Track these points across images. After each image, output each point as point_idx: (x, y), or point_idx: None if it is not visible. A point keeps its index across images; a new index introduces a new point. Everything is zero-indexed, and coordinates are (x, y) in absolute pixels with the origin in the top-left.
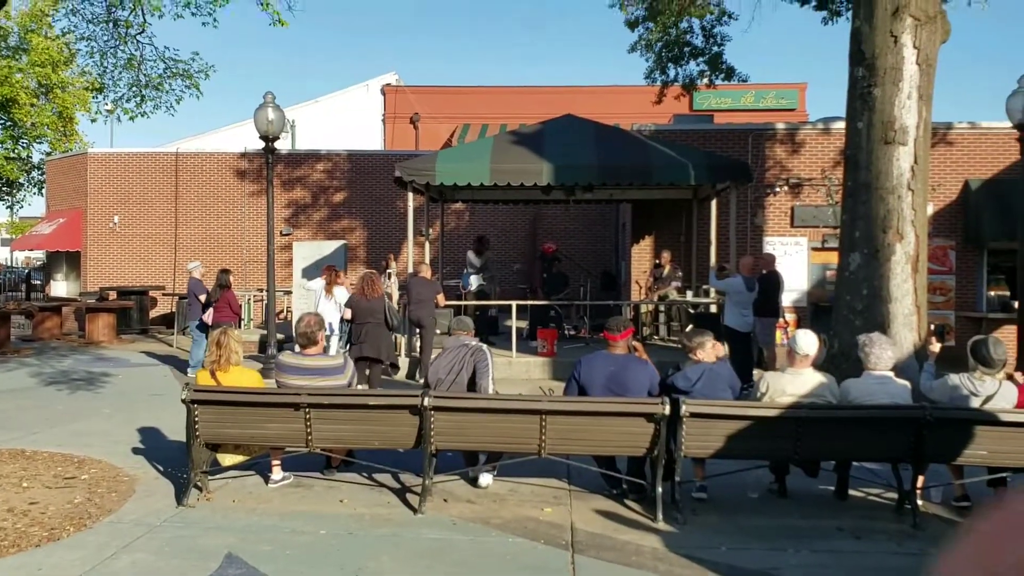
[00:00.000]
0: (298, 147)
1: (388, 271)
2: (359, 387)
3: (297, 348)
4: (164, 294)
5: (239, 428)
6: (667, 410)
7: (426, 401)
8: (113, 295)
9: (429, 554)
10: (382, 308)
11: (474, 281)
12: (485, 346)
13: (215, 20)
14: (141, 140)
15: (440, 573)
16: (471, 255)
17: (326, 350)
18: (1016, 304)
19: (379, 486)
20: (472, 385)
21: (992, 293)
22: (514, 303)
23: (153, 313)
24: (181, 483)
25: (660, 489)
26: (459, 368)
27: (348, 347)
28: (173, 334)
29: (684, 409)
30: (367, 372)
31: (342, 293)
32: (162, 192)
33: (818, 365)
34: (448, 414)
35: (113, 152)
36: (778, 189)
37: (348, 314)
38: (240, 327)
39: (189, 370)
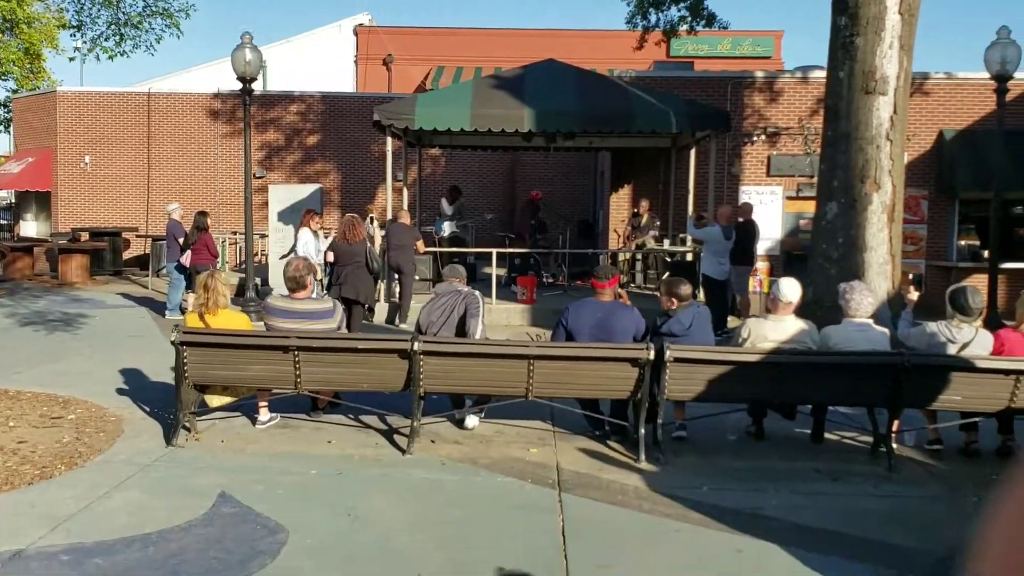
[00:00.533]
0: (270, 88)
1: (370, 216)
2: None
3: (284, 292)
4: (137, 235)
5: (228, 370)
6: (652, 355)
7: (416, 345)
8: (85, 236)
9: (420, 493)
10: (363, 251)
11: (446, 228)
12: (478, 292)
13: None
14: (111, 79)
15: (432, 512)
16: (444, 203)
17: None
18: (986, 253)
19: (366, 427)
20: (462, 327)
21: (962, 242)
22: (494, 251)
23: (126, 254)
24: (169, 424)
25: (643, 431)
26: (450, 312)
27: (328, 289)
28: (148, 276)
29: (668, 354)
30: (349, 313)
31: (305, 235)
32: (134, 132)
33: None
34: (437, 358)
35: (83, 91)
36: (756, 138)
37: (331, 257)
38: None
39: (167, 312)
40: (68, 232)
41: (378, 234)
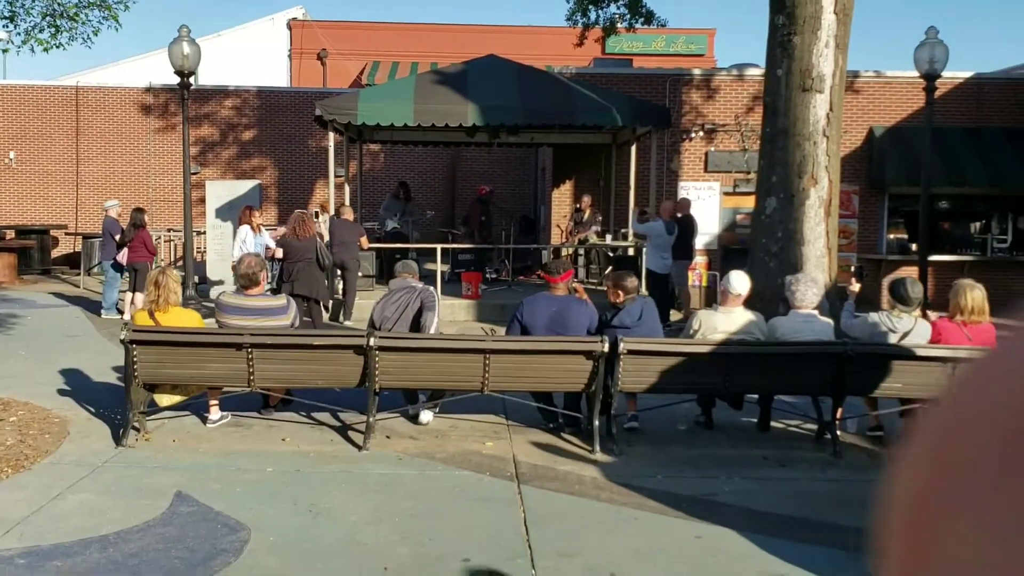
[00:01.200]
0: (202, 83)
1: (316, 211)
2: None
3: (232, 288)
4: (67, 233)
5: (180, 368)
6: (606, 348)
7: (372, 341)
8: (11, 234)
9: (380, 488)
10: (314, 248)
11: (389, 223)
12: (432, 287)
13: None
14: (36, 71)
15: (393, 506)
16: (392, 199)
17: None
18: (914, 247)
19: (319, 424)
20: (417, 323)
21: (892, 236)
22: (438, 247)
23: (55, 253)
24: (116, 424)
25: (597, 423)
26: (404, 308)
27: (278, 286)
28: (79, 274)
29: (622, 347)
30: (308, 311)
31: (244, 231)
32: (62, 127)
33: None
34: (393, 354)
35: (7, 84)
36: (693, 135)
37: (279, 253)
38: (151, 267)
39: (103, 311)
40: None
41: (325, 228)
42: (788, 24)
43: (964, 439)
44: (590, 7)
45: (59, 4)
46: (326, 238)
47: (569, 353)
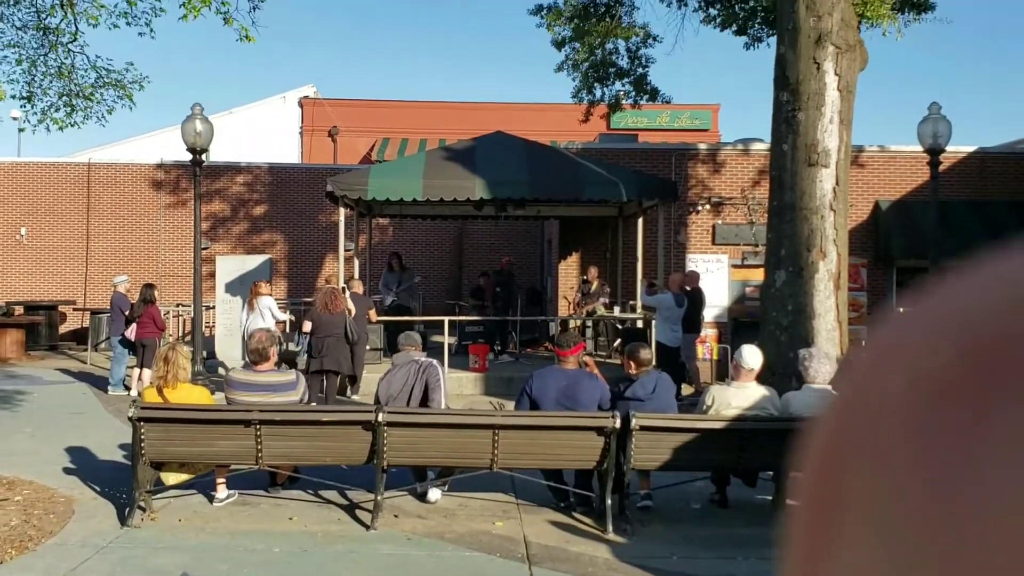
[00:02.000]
0: (214, 159)
1: (343, 287)
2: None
3: (240, 364)
4: (75, 309)
5: (187, 446)
6: (617, 423)
7: (380, 416)
8: (20, 310)
9: (388, 569)
10: (343, 323)
11: (388, 298)
12: (435, 361)
13: (152, 31)
14: (50, 148)
15: None
16: (387, 273)
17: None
18: None
19: (326, 503)
20: (425, 400)
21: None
22: (445, 319)
23: (63, 328)
24: (122, 503)
25: (609, 501)
26: (411, 384)
27: (308, 360)
28: (86, 350)
29: (634, 422)
30: (323, 383)
31: (266, 301)
32: (73, 203)
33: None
34: (402, 429)
35: (20, 162)
36: (700, 208)
37: (308, 327)
38: (160, 343)
39: (110, 387)
40: (2, 306)
41: (351, 304)
42: (792, 100)
43: (859, 421)
44: (595, 84)
45: (75, 84)
46: (354, 312)
47: (579, 429)
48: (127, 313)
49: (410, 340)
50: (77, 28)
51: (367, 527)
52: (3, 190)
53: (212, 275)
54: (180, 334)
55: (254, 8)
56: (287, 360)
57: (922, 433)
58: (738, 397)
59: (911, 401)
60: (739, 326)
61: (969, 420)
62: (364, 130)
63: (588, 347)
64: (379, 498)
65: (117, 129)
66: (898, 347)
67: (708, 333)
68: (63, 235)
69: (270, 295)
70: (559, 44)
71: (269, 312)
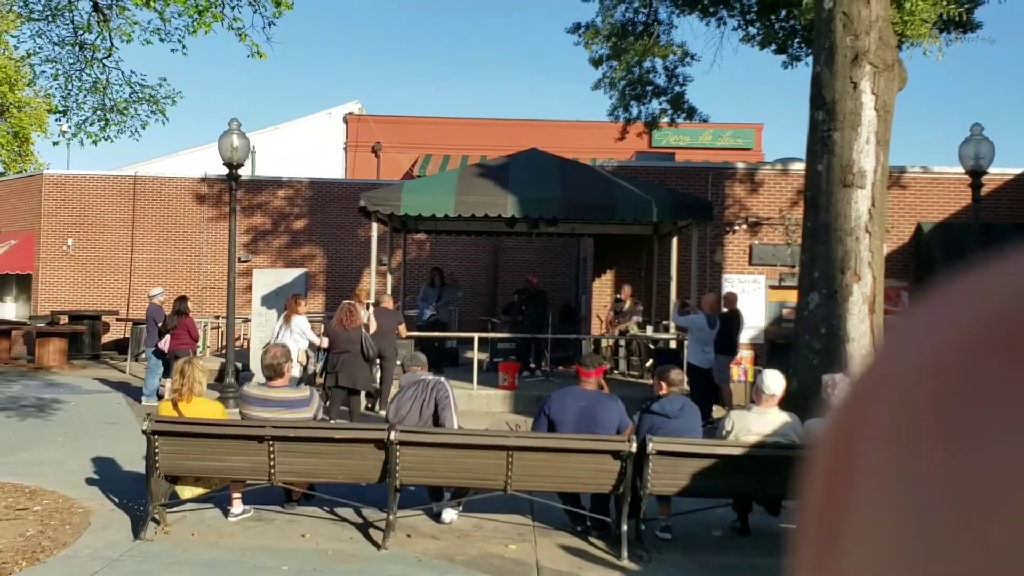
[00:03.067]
0: (258, 173)
1: (369, 302)
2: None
3: (261, 379)
4: (118, 319)
5: (201, 460)
6: (633, 447)
7: (392, 435)
8: (64, 319)
9: None
10: (359, 338)
11: (427, 312)
12: (443, 378)
13: (184, 47)
14: (98, 162)
15: None
16: (427, 288)
17: (293, 380)
18: None
19: (341, 520)
20: (436, 421)
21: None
22: (475, 335)
23: (106, 338)
24: (138, 516)
25: (625, 527)
26: (420, 404)
27: (324, 375)
28: (126, 360)
29: (651, 447)
30: (347, 401)
31: (300, 321)
32: (119, 215)
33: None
34: (414, 448)
35: (69, 174)
36: (737, 227)
37: (325, 343)
38: (194, 354)
39: (143, 398)
40: (48, 315)
41: (373, 321)
42: (828, 120)
43: (867, 409)
44: (632, 103)
45: (109, 99)
46: (372, 328)
47: (595, 452)
48: (160, 325)
49: (416, 360)
50: (112, 44)
51: (378, 546)
52: (52, 202)
53: (249, 288)
54: (219, 346)
55: (269, 24)
56: (308, 381)
57: (950, 408)
58: (759, 423)
59: (934, 387)
60: (775, 348)
61: (996, 403)
62: (407, 146)
63: (621, 367)
64: (391, 517)
65: (165, 143)
66: (923, 328)
67: (744, 355)
68: (108, 246)
69: (305, 314)
70: (596, 62)
71: (301, 333)
